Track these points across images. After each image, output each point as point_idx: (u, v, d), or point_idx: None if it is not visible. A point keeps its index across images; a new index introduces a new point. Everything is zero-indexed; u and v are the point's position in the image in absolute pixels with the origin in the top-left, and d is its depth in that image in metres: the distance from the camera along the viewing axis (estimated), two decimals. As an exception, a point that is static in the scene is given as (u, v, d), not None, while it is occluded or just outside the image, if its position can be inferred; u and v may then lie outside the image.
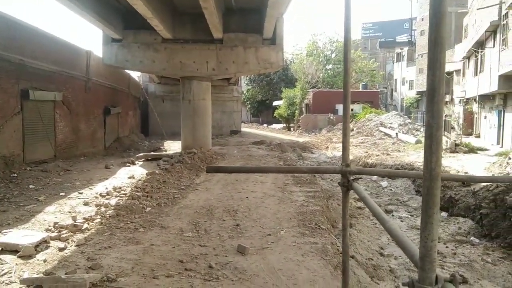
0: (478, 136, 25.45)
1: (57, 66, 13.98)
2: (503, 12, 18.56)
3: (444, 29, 1.23)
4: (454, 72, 33.12)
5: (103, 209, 7.57)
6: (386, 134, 27.67)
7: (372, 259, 6.89)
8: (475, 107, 26.88)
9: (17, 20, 11.96)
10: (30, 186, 9.56)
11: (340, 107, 37.91)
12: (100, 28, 15.25)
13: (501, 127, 20.55)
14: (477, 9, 23.00)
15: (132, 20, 15.59)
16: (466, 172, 13.40)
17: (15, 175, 10.45)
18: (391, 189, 13.68)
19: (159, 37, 16.08)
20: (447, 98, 35.36)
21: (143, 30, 15.80)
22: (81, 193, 9.14)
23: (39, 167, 11.84)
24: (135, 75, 29.28)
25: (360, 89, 43.71)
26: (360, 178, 2.81)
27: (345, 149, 2.80)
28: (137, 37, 16.35)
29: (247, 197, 8.88)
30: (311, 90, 39.57)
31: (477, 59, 23.88)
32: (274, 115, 44.15)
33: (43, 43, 13.36)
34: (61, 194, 8.96)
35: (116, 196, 8.71)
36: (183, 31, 16.38)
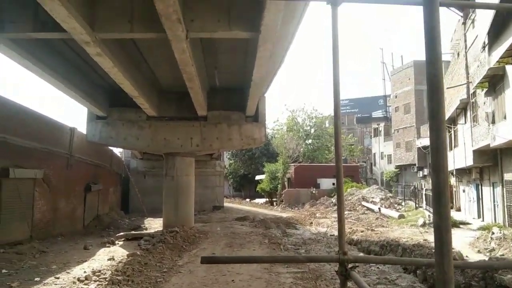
0: (459, 210, 25.71)
1: (39, 143, 13.91)
2: (471, 90, 19.75)
3: (444, 135, 1.30)
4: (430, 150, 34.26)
5: (80, 295, 7.12)
6: (368, 209, 27.70)
7: None
8: (453, 180, 27.50)
9: (1, 97, 12.08)
10: (3, 271, 8.99)
11: (322, 181, 38.26)
12: (86, 106, 15.50)
13: (480, 201, 20.88)
14: (447, 88, 24.47)
15: (117, 98, 15.93)
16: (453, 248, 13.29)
17: (-13, 258, 9.88)
18: (378, 267, 13.38)
19: (144, 114, 16.38)
20: (426, 171, 36.19)
21: (129, 107, 16.10)
22: (58, 278, 8.62)
23: (14, 248, 11.25)
24: (118, 150, 29.28)
25: (341, 163, 44.37)
26: (358, 266, 2.76)
27: (341, 236, 2.77)
28: (122, 115, 16.61)
29: (232, 280, 8.53)
30: (293, 164, 40.07)
31: (451, 134, 24.90)
32: (257, 189, 44.07)
33: (27, 120, 13.40)
34: (35, 279, 8.44)
35: (95, 281, 8.25)
36: (168, 108, 16.75)
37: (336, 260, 2.66)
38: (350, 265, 2.66)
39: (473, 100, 19.68)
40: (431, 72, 1.33)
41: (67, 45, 11.72)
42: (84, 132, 17.01)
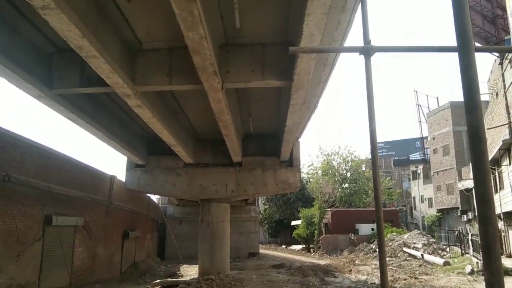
0: (510, 256, 24.06)
1: (81, 191, 14.39)
2: (514, 131, 19.05)
3: (490, 185, 1.28)
4: (473, 189, 32.81)
5: None
6: (410, 255, 26.42)
7: None
8: (500, 224, 25.98)
9: (49, 149, 12.74)
10: (42, 319, 9.10)
11: (360, 227, 37.08)
12: (126, 155, 16.03)
13: (533, 247, 19.53)
14: (487, 128, 23.73)
15: (156, 147, 16.40)
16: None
17: (28, 305, 10.04)
18: (425, 319, 12.58)
19: (181, 162, 16.72)
20: (470, 215, 34.48)
21: (166, 155, 16.49)
22: (95, 327, 8.62)
23: (53, 296, 11.42)
24: (155, 197, 29.80)
25: (379, 208, 43.08)
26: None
27: (384, 286, 2.67)
28: (160, 163, 17.02)
29: (270, 331, 8.23)
30: (329, 209, 39.22)
31: (495, 176, 23.83)
32: (293, 235, 43.15)
33: (70, 169, 13.97)
34: (73, 328, 8.47)
35: (131, 330, 8.17)
36: (204, 155, 17.05)
37: (380, 313, 2.55)
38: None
39: (516, 140, 18.95)
40: (472, 122, 1.33)
41: (110, 98, 12.37)
42: (123, 179, 17.49)
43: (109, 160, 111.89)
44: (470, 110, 1.36)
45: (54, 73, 9.91)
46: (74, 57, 8.31)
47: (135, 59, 9.44)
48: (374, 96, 3.00)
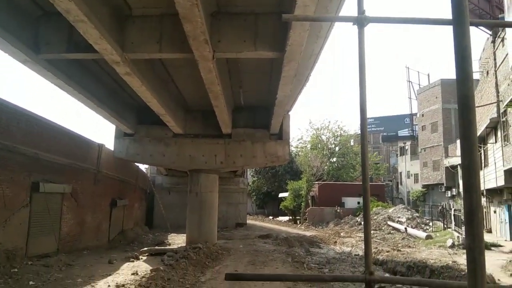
0: (490, 231, 24.80)
1: (69, 159, 14.30)
2: (502, 109, 19.26)
3: (476, 154, 1.29)
4: (458, 166, 33.40)
5: (105, 310, 7.19)
6: (394, 229, 27.07)
7: None
8: (483, 201, 26.62)
9: (36, 115, 12.53)
10: (30, 283, 9.20)
11: (346, 200, 37.72)
12: (114, 123, 15.89)
13: (513, 223, 20.13)
14: (476, 106, 23.91)
15: (145, 116, 16.29)
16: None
17: (16, 270, 10.10)
18: (405, 289, 13.01)
19: (170, 132, 16.66)
20: (454, 192, 35.23)
21: (155, 125, 16.42)
22: (83, 291, 8.76)
23: (41, 261, 11.50)
24: (143, 167, 29.79)
25: (366, 182, 43.72)
26: (384, 287, 2.71)
27: (367, 256, 2.73)
28: (149, 132, 16.95)
29: (256, 298, 8.46)
30: (317, 182, 39.71)
31: (480, 154, 24.25)
32: (280, 207, 43.78)
33: (58, 137, 13.83)
34: (62, 292, 8.60)
35: (119, 295, 8.33)
36: (194, 126, 17.00)
37: (362, 280, 2.61)
38: (376, 286, 2.61)
39: (504, 119, 19.18)
40: (462, 92, 1.33)
41: (98, 65, 12.15)
42: (111, 148, 17.40)
43: (98, 129, 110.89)
44: (461, 80, 1.36)
45: (41, 38, 9.67)
46: (61, 21, 8.09)
47: (125, 26, 9.22)
48: (366, 70, 2.98)
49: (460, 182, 33.41)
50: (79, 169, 15.26)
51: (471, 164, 1.28)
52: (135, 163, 22.95)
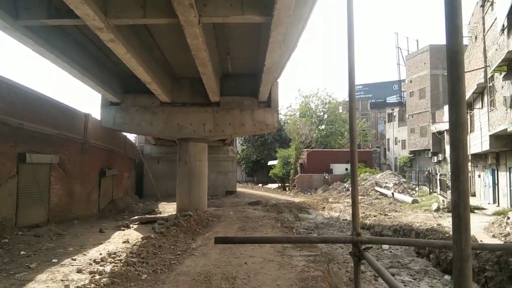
0: (474, 195, 25.45)
1: (55, 129, 14.11)
2: (489, 74, 19.33)
3: (464, 110, 1.28)
4: (445, 132, 33.80)
5: (97, 276, 7.27)
6: (382, 194, 27.62)
7: (379, 329, 6.58)
8: (468, 165, 27.14)
9: (19, 85, 12.23)
10: (22, 252, 9.24)
11: (335, 167, 38.16)
12: (100, 92, 15.61)
13: (496, 186, 20.62)
14: (465, 72, 23.93)
15: (131, 84, 16.01)
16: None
17: (6, 240, 10.13)
18: (391, 251, 13.40)
19: (158, 100, 16.44)
20: (441, 157, 35.81)
21: (142, 94, 16.18)
22: (74, 259, 8.83)
23: (31, 231, 11.53)
24: (131, 136, 29.57)
25: (354, 149, 44.13)
26: (371, 247, 2.76)
27: (354, 217, 2.77)
28: (136, 101, 16.70)
29: (245, 263, 8.63)
30: (306, 150, 39.98)
31: (467, 119, 24.47)
32: (269, 174, 44.18)
33: (43, 107, 13.57)
34: (53, 260, 8.66)
35: (110, 263, 8.42)
36: (181, 94, 16.79)
37: (349, 241, 2.66)
38: (363, 247, 2.66)
39: (491, 84, 19.28)
40: (451, 46, 1.30)
41: (81, 32, 11.78)
42: (98, 118, 17.17)
43: (85, 99, 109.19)
44: (451, 35, 1.32)
45: (19, 3, 9.29)
46: (39, -16, 7.75)
47: (107, -10, 8.88)
48: (354, 36, 2.93)
49: (447, 147, 33.90)
50: (66, 139, 15.08)
51: (459, 120, 1.27)
52: (123, 133, 22.78)
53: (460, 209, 1.23)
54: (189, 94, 16.80)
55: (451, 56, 1.31)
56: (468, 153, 23.24)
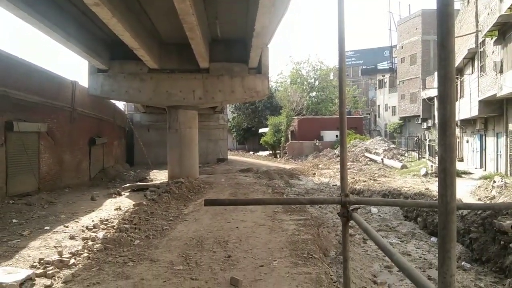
0: (461, 160, 25.87)
1: (41, 97, 13.85)
2: (480, 39, 19.24)
3: (453, 65, 1.25)
4: (435, 98, 33.92)
5: (90, 243, 7.35)
6: (371, 160, 27.93)
7: (366, 288, 6.80)
8: (457, 131, 27.45)
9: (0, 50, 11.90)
10: (13, 220, 9.26)
11: (325, 133, 38.35)
12: (86, 59, 15.25)
13: (483, 151, 20.95)
14: (456, 37, 23.77)
15: (118, 51, 15.66)
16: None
17: (-3, 209, 10.14)
18: (380, 215, 13.69)
19: (146, 67, 16.15)
20: (430, 123, 36.09)
21: (129, 60, 15.85)
22: (67, 227, 8.89)
23: (23, 200, 11.53)
24: (121, 104, 29.24)
25: (344, 116, 44.27)
26: (359, 208, 2.79)
27: (343, 178, 2.79)
28: (123, 67, 16.38)
29: (237, 227, 8.76)
30: (296, 117, 39.98)
31: (457, 85, 24.54)
32: (260, 142, 44.31)
33: (27, 74, 13.25)
34: (45, 228, 8.70)
35: (103, 229, 8.49)
36: (170, 61, 16.49)
37: (338, 201, 2.69)
38: (352, 207, 2.69)
39: (482, 49, 19.22)
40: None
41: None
42: (86, 85, 16.86)
43: (72, 68, 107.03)
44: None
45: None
46: None
47: (88, -51, 8.51)
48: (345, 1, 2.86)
49: (436, 113, 34.08)
50: (53, 107, 14.85)
51: (448, 74, 1.25)
52: (112, 101, 22.49)
53: (446, 163, 1.23)
54: (178, 60, 16.51)
55: (442, 9, 1.27)
56: (457, 119, 23.54)
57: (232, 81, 16.92)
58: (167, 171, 18.05)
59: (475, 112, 19.69)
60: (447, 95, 1.24)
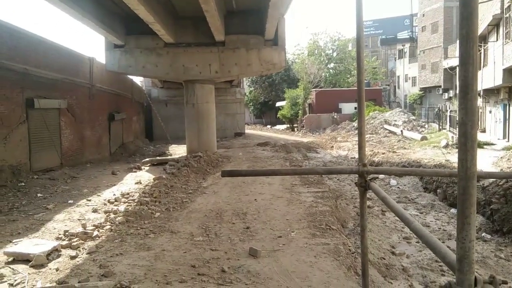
0: (484, 131, 25.28)
1: (60, 74, 14.01)
2: (506, 5, 18.43)
3: (476, 23, 1.19)
4: (457, 67, 32.92)
5: (112, 215, 7.55)
6: (391, 132, 27.57)
7: (384, 258, 6.84)
8: (479, 101, 26.72)
9: (20, 29, 12.00)
10: (38, 195, 9.56)
11: (343, 106, 37.87)
12: (102, 34, 15.27)
13: (507, 121, 20.40)
14: (479, 2, 22.84)
15: (134, 26, 15.61)
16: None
17: (23, 184, 10.46)
18: (399, 187, 13.61)
19: (161, 41, 16.08)
20: (451, 93, 35.20)
21: (145, 35, 15.81)
22: (90, 200, 9.13)
23: (46, 175, 11.85)
24: (138, 80, 29.36)
25: (363, 87, 43.55)
26: (377, 178, 2.77)
27: (361, 148, 2.75)
28: (139, 42, 16.36)
29: (255, 200, 8.85)
30: (314, 90, 39.51)
31: (480, 53, 23.74)
32: (278, 116, 44.11)
33: (47, 52, 13.39)
34: (69, 201, 8.96)
35: (124, 202, 8.70)
36: (185, 34, 16.37)
37: (355, 171, 2.67)
38: (369, 177, 2.67)
39: (507, 15, 18.42)
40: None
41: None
42: (103, 62, 16.95)
43: (88, 44, 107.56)
44: None
45: None
46: None
47: None
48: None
49: (458, 83, 33.16)
50: (72, 84, 15.02)
51: (469, 34, 1.19)
52: (129, 76, 22.59)
53: (467, 127, 1.19)
54: (193, 34, 16.37)
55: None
56: (480, 88, 22.89)
57: (248, 54, 16.73)
58: (185, 145, 18.22)
59: (499, 81, 19.07)
60: (469, 56, 1.19)
